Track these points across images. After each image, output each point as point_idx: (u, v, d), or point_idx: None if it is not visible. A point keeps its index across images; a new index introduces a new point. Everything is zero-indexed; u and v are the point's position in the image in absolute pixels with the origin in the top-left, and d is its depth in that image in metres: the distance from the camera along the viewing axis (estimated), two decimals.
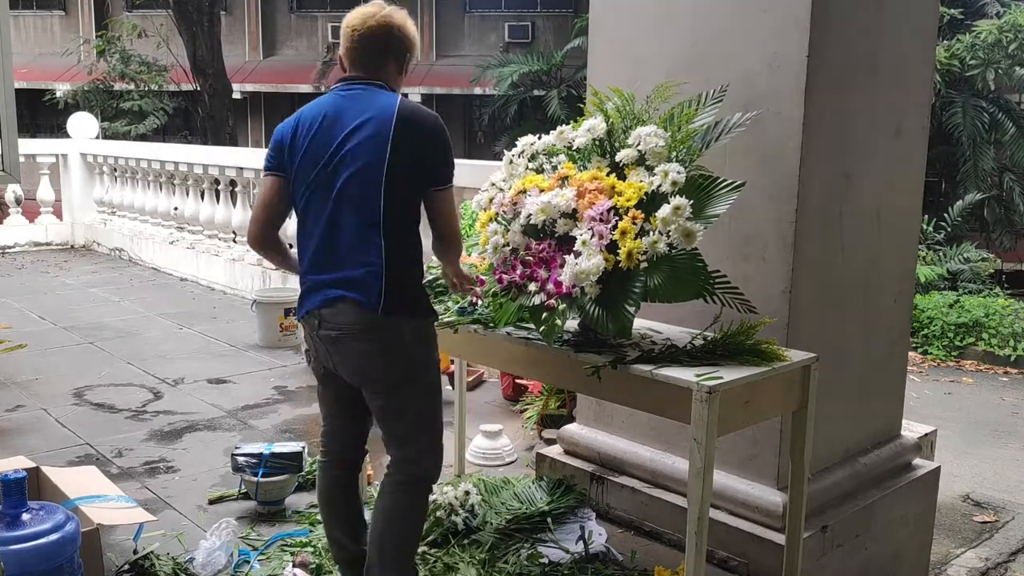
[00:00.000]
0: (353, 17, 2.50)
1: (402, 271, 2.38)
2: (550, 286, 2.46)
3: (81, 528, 2.51)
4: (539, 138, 2.83)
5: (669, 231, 2.35)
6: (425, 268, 2.58)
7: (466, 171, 5.51)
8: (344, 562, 2.65)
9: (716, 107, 2.61)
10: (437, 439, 2.51)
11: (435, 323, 2.53)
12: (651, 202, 2.44)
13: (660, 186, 2.43)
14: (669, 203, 2.38)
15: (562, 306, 2.50)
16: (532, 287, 2.51)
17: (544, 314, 2.51)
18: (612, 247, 2.40)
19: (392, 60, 2.53)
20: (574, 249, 2.46)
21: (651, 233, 2.38)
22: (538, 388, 4.54)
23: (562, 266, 2.46)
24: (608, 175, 2.54)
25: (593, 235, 2.43)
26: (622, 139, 2.60)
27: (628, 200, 2.43)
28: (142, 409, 4.64)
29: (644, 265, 2.38)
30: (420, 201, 2.45)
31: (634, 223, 2.39)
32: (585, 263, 2.39)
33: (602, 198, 2.48)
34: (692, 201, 2.39)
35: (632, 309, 2.42)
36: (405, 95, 2.52)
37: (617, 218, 2.43)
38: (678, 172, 2.42)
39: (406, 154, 2.35)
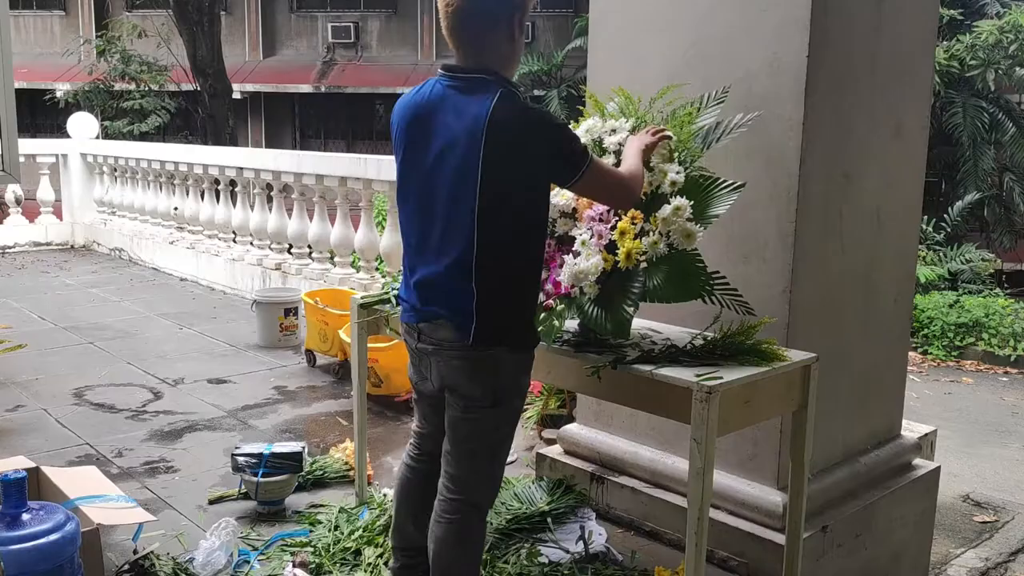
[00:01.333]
0: None
1: (498, 303, 2.24)
2: (549, 286, 2.46)
3: (81, 528, 2.51)
4: None
5: (669, 231, 2.36)
6: (533, 291, 2.36)
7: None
8: (404, 549, 2.64)
9: (718, 108, 2.61)
10: (494, 466, 2.42)
11: (532, 353, 2.38)
12: (651, 202, 2.44)
13: (660, 186, 2.43)
14: (669, 203, 2.38)
15: (561, 306, 2.50)
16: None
17: (543, 314, 2.51)
18: (612, 247, 2.41)
19: (500, 28, 2.23)
20: (573, 249, 2.46)
21: (651, 233, 2.38)
22: (538, 388, 4.54)
23: (561, 266, 2.46)
24: None
25: (592, 235, 2.43)
26: (623, 139, 2.60)
27: None
28: (142, 409, 4.64)
29: (643, 265, 2.39)
30: (532, 216, 2.25)
31: (633, 223, 2.39)
32: (584, 263, 2.39)
33: None
34: (692, 202, 2.39)
35: (631, 309, 2.42)
36: (502, 83, 2.21)
37: (616, 218, 2.43)
38: (677, 172, 2.43)
39: (508, 166, 2.15)
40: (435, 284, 2.29)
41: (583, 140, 2.66)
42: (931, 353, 7.32)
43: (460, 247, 2.22)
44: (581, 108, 2.92)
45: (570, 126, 2.35)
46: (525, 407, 4.52)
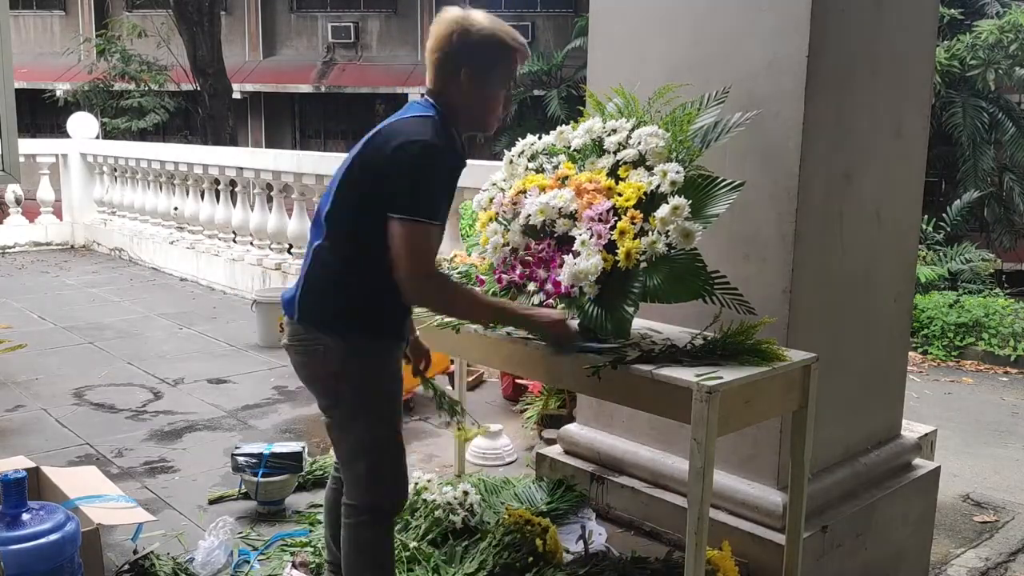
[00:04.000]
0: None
1: (332, 282, 2.27)
2: (549, 286, 2.46)
3: (81, 528, 2.51)
4: (539, 138, 2.83)
5: (668, 231, 2.36)
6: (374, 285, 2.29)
7: (466, 171, 5.51)
8: (331, 564, 2.65)
9: (718, 108, 2.61)
10: (378, 467, 2.35)
11: (379, 343, 2.32)
12: (650, 202, 2.44)
13: (659, 186, 2.43)
14: (668, 203, 2.38)
15: (561, 306, 2.50)
16: (531, 287, 2.51)
17: None
18: (611, 247, 2.41)
19: (450, 75, 2.27)
20: (573, 249, 2.46)
21: (650, 233, 2.38)
22: (538, 388, 4.54)
23: (561, 266, 2.46)
24: (607, 176, 2.54)
25: (592, 235, 2.43)
26: (623, 139, 2.60)
27: (627, 200, 2.44)
28: (142, 409, 4.64)
29: (643, 265, 2.39)
30: (376, 223, 2.20)
31: (633, 223, 2.39)
32: (584, 263, 2.39)
33: (601, 198, 2.48)
34: (691, 201, 2.39)
35: (631, 309, 2.42)
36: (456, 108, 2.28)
37: (616, 218, 2.43)
38: (677, 172, 2.43)
39: (366, 168, 2.22)
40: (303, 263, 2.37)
41: (582, 140, 2.67)
42: (931, 353, 7.31)
43: (319, 223, 2.31)
44: (581, 108, 2.92)
45: (432, 172, 2.22)
46: (525, 407, 4.54)
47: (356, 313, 2.30)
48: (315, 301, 2.31)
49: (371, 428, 2.36)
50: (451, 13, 2.29)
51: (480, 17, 2.31)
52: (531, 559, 2.84)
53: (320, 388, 2.40)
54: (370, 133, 2.28)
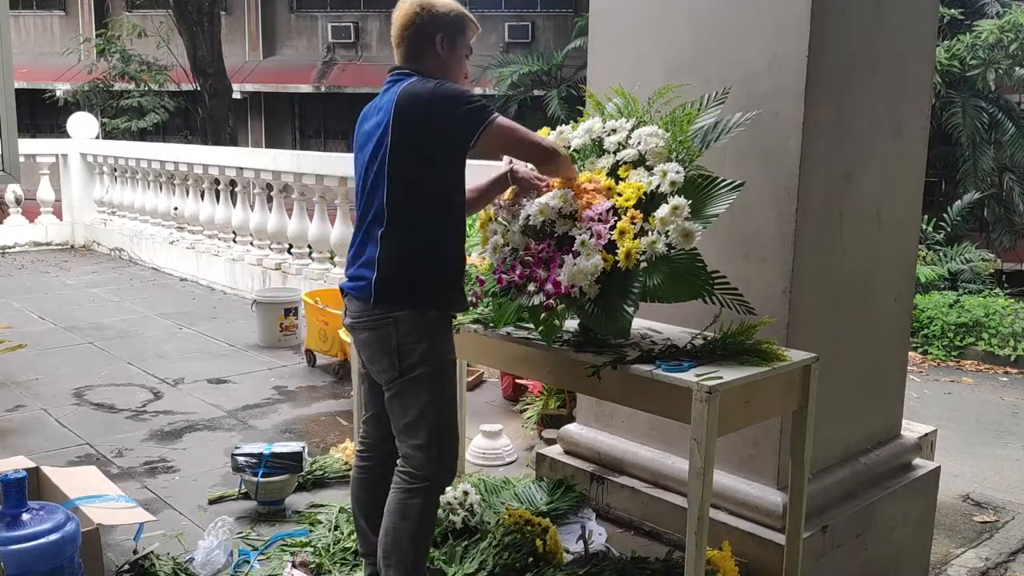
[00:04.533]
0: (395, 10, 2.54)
1: (400, 261, 2.39)
2: (549, 286, 2.46)
3: (81, 528, 2.51)
4: None
5: (668, 231, 2.36)
6: (450, 259, 2.49)
7: (466, 171, 5.52)
8: (367, 555, 2.69)
9: (718, 108, 2.61)
10: (436, 438, 2.45)
11: (441, 316, 2.47)
12: (650, 202, 2.44)
13: (659, 186, 2.43)
14: (668, 203, 2.38)
15: (561, 306, 2.50)
16: (531, 287, 2.51)
17: (543, 314, 2.51)
18: (611, 247, 2.41)
19: (425, 45, 2.48)
20: (573, 249, 2.46)
21: (650, 233, 2.38)
22: (538, 388, 4.54)
23: (561, 266, 2.46)
24: (607, 177, 2.54)
25: (592, 235, 2.43)
26: (623, 139, 2.60)
27: (627, 200, 2.44)
28: (142, 409, 4.64)
29: (643, 265, 2.39)
30: (440, 184, 2.41)
31: (633, 223, 2.39)
32: (583, 263, 2.39)
33: (600, 198, 2.48)
34: (691, 201, 2.39)
35: (631, 309, 2.42)
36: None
37: (616, 218, 2.43)
38: (676, 172, 2.43)
39: (407, 133, 2.35)
40: (353, 256, 2.49)
41: (581, 140, 2.67)
42: (931, 353, 7.32)
43: (370, 218, 2.43)
44: (581, 108, 2.92)
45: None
46: (525, 407, 4.54)
47: (432, 288, 2.43)
48: (393, 283, 2.40)
49: (434, 398, 2.45)
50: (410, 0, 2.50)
51: None
52: (531, 559, 2.84)
53: (388, 362, 2.44)
54: (380, 112, 2.41)
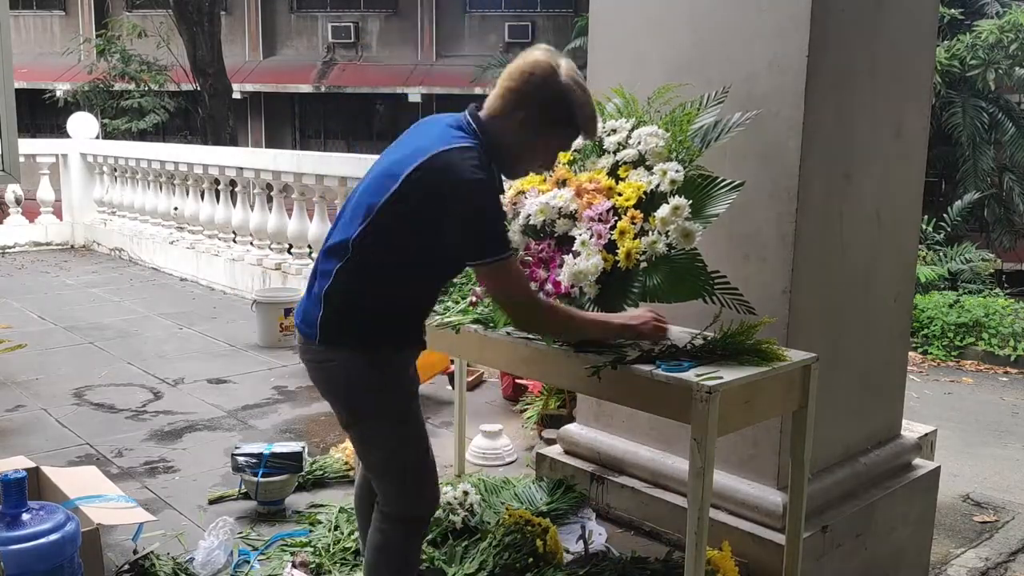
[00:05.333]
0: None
1: (359, 305, 2.19)
2: (549, 286, 2.46)
3: (81, 528, 2.51)
4: None
5: (668, 231, 2.36)
6: (411, 307, 2.29)
7: None
8: None
9: (718, 108, 2.61)
10: (405, 477, 2.32)
11: (393, 354, 2.26)
12: (650, 202, 2.44)
13: (659, 186, 2.43)
14: (668, 203, 2.38)
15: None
16: (531, 287, 2.51)
17: None
18: (611, 247, 2.41)
19: (509, 109, 2.18)
20: (573, 249, 2.46)
21: (650, 233, 2.38)
22: (538, 388, 4.54)
23: (561, 266, 2.46)
24: (607, 176, 2.54)
25: (592, 235, 2.43)
26: (623, 139, 2.60)
27: (627, 200, 2.44)
28: (142, 409, 4.64)
29: (643, 265, 2.39)
30: (427, 254, 2.18)
31: (633, 223, 2.39)
32: (584, 263, 2.39)
33: (600, 198, 2.48)
34: (691, 201, 2.39)
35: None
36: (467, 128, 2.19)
37: (616, 218, 2.43)
38: (676, 171, 2.43)
39: (416, 207, 2.12)
40: (307, 287, 2.29)
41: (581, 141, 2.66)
42: (931, 353, 7.31)
43: (330, 245, 2.22)
44: None
45: (495, 212, 2.17)
46: (525, 407, 4.54)
47: (382, 330, 2.24)
48: (339, 323, 2.21)
49: (395, 442, 2.31)
50: (542, 53, 2.20)
51: (568, 70, 2.19)
52: (531, 559, 2.84)
53: (338, 407, 2.32)
54: (407, 152, 2.17)
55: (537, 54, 2.20)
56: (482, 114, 2.23)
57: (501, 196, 2.23)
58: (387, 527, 2.36)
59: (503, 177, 2.32)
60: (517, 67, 2.19)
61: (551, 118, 2.20)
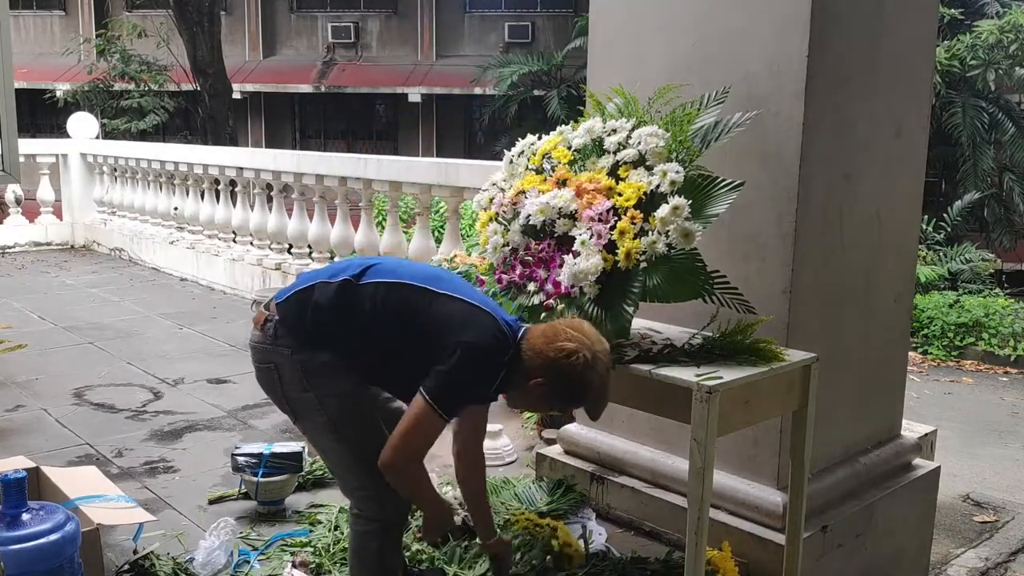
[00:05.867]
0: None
1: (303, 315, 2.29)
2: (549, 286, 2.47)
3: (81, 528, 2.51)
4: (539, 138, 2.83)
5: (668, 231, 2.36)
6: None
7: (466, 171, 5.52)
8: None
9: (718, 108, 2.61)
10: (365, 479, 2.33)
11: (334, 357, 2.30)
12: (650, 202, 2.44)
13: (659, 186, 2.43)
14: (668, 203, 2.38)
15: (561, 306, 2.50)
16: (531, 287, 2.51)
17: (543, 314, 2.51)
18: (611, 247, 2.41)
19: (538, 372, 2.25)
20: (573, 249, 2.46)
21: (650, 233, 2.38)
22: None
23: (561, 266, 2.46)
24: (607, 176, 2.54)
25: (592, 235, 2.43)
26: (623, 139, 2.60)
27: (627, 200, 2.44)
28: (142, 409, 4.64)
29: (643, 265, 2.39)
30: (393, 354, 2.29)
31: (633, 223, 2.39)
32: (583, 263, 2.39)
33: (601, 198, 2.48)
34: (691, 201, 2.39)
35: (631, 309, 2.42)
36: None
37: (616, 218, 2.43)
38: (676, 172, 2.43)
39: (420, 336, 2.24)
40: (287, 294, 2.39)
41: (582, 140, 2.66)
42: (931, 353, 7.32)
43: (339, 271, 2.35)
44: (581, 108, 2.92)
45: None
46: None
47: (316, 335, 2.31)
48: (289, 321, 2.31)
49: (345, 441, 2.33)
50: (589, 334, 2.24)
51: (603, 361, 2.25)
52: (548, 557, 2.85)
53: (280, 406, 2.39)
54: (467, 315, 2.25)
55: (586, 330, 2.24)
56: (524, 343, 2.27)
57: (494, 371, 2.26)
58: (358, 528, 2.41)
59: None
60: (562, 341, 2.22)
61: (564, 395, 2.30)
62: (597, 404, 2.33)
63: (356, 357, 2.31)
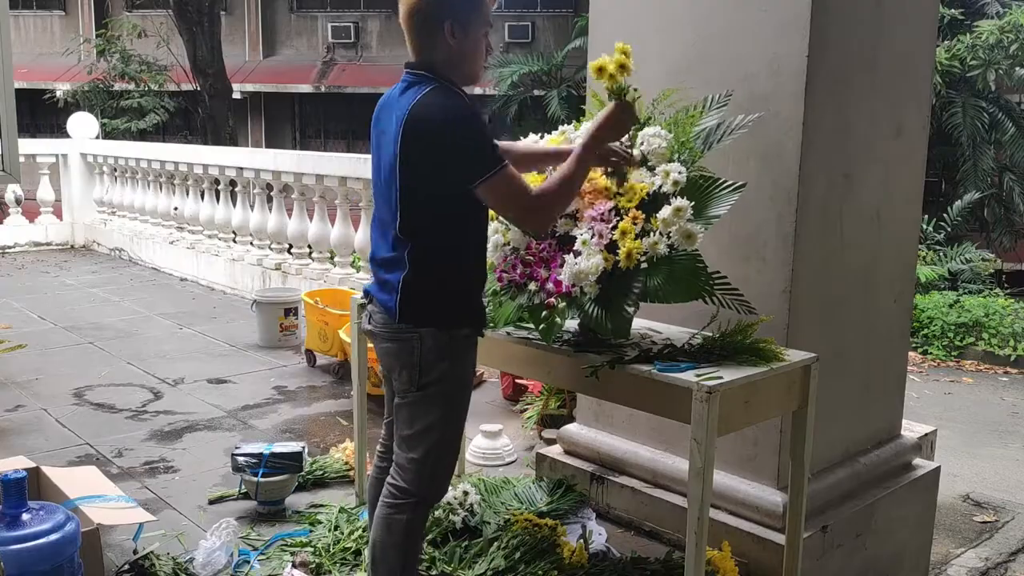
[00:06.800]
0: None
1: (423, 279, 2.31)
2: (549, 285, 2.47)
3: (81, 528, 2.51)
4: (541, 137, 2.84)
5: (670, 232, 2.36)
6: (469, 275, 2.40)
7: None
8: None
9: (721, 110, 2.61)
10: (435, 455, 2.39)
11: (468, 335, 2.39)
12: (652, 202, 2.44)
13: (661, 186, 2.43)
14: (670, 204, 2.38)
15: (562, 305, 2.50)
16: (532, 286, 2.51)
17: (543, 313, 2.51)
18: (612, 247, 2.41)
19: (433, 34, 2.29)
20: (574, 249, 2.46)
21: (652, 234, 2.38)
22: (538, 388, 4.54)
23: (562, 265, 2.46)
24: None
25: (593, 235, 2.43)
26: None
27: (629, 200, 2.43)
28: (142, 409, 4.64)
29: (644, 265, 2.39)
30: (454, 204, 2.28)
31: (634, 223, 2.39)
32: (584, 263, 2.39)
33: (602, 199, 2.48)
34: (693, 202, 2.39)
35: (631, 309, 2.42)
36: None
37: (618, 218, 2.43)
38: (679, 172, 2.42)
39: (417, 159, 2.25)
40: (377, 267, 2.44)
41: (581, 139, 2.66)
42: (931, 353, 7.32)
43: (391, 233, 2.35)
44: (582, 108, 2.92)
45: (478, 125, 2.29)
46: (525, 407, 4.54)
47: (459, 306, 2.37)
48: (419, 303, 2.33)
49: (445, 416, 2.40)
50: None
51: None
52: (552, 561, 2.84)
53: (407, 375, 2.39)
54: (394, 129, 2.28)
55: None
56: (417, 62, 2.35)
57: (478, 115, 2.33)
58: (398, 506, 2.41)
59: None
60: (405, 7, 2.31)
61: (466, 9, 2.31)
62: None
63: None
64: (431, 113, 2.23)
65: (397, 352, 2.38)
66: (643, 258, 2.37)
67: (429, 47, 2.32)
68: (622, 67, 2.44)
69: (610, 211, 2.45)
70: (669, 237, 2.36)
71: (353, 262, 6.91)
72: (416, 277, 2.31)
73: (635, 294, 2.40)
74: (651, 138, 2.51)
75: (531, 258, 2.56)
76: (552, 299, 2.48)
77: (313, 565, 2.91)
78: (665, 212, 2.36)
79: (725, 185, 2.46)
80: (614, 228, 2.41)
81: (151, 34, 16.20)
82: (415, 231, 2.30)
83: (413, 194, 2.28)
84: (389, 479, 2.44)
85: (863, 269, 3.07)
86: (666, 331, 2.73)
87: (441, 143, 2.22)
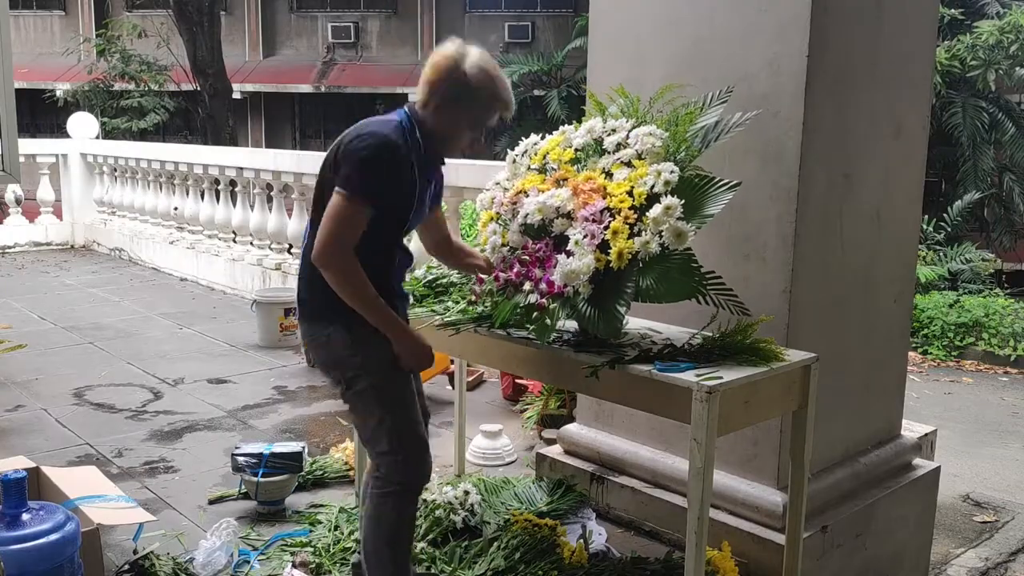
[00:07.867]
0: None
1: (316, 279, 2.39)
2: (543, 285, 2.46)
3: (81, 528, 2.51)
4: (542, 137, 2.84)
5: (661, 231, 2.35)
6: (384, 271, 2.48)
7: (467, 171, 5.51)
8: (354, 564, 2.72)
9: (720, 108, 2.61)
10: (399, 442, 2.44)
11: (365, 327, 2.39)
12: (645, 202, 2.43)
13: (653, 186, 2.43)
14: (661, 203, 2.38)
15: (553, 305, 2.50)
16: (527, 286, 2.51)
17: (535, 313, 2.51)
18: (605, 247, 2.40)
19: (430, 96, 2.42)
20: (567, 249, 2.46)
21: (643, 233, 2.37)
22: (538, 388, 4.54)
23: (556, 266, 2.46)
24: (604, 176, 2.54)
25: (585, 235, 2.43)
26: (623, 139, 2.60)
27: (621, 200, 2.43)
28: (142, 409, 4.64)
29: (640, 264, 2.38)
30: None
31: (626, 223, 2.39)
32: (576, 263, 2.39)
33: (596, 198, 2.48)
34: (684, 201, 2.38)
35: (623, 309, 2.41)
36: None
37: (610, 218, 2.43)
38: (671, 172, 2.42)
39: (333, 159, 2.44)
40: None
41: (583, 140, 2.66)
42: (931, 353, 7.32)
43: (306, 233, 2.53)
44: (582, 108, 2.92)
45: (379, 161, 2.36)
46: (525, 407, 4.54)
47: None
48: (315, 297, 2.45)
49: (385, 406, 2.46)
50: (450, 47, 2.43)
51: (475, 59, 2.41)
52: (552, 562, 2.84)
53: (333, 378, 2.52)
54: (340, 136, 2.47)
55: (445, 48, 2.43)
56: (416, 103, 2.48)
57: (404, 165, 2.39)
58: (383, 496, 2.46)
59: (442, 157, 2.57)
60: (430, 61, 2.43)
61: (458, 103, 2.41)
62: (490, 97, 2.42)
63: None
64: (361, 126, 2.42)
65: (319, 358, 2.53)
66: (635, 256, 2.37)
67: (424, 100, 2.45)
68: None
69: (602, 211, 2.44)
70: (660, 236, 2.35)
71: None
72: (308, 277, 2.45)
73: (627, 294, 2.39)
74: (645, 137, 2.50)
75: (527, 258, 2.56)
76: (545, 299, 2.48)
77: (313, 565, 2.91)
78: (655, 211, 2.36)
79: (719, 184, 2.46)
80: (606, 228, 2.41)
81: (151, 34, 16.21)
82: (314, 234, 2.41)
83: (323, 194, 2.45)
84: (372, 472, 2.51)
85: (863, 269, 3.07)
86: (666, 331, 2.73)
87: (348, 145, 2.39)
